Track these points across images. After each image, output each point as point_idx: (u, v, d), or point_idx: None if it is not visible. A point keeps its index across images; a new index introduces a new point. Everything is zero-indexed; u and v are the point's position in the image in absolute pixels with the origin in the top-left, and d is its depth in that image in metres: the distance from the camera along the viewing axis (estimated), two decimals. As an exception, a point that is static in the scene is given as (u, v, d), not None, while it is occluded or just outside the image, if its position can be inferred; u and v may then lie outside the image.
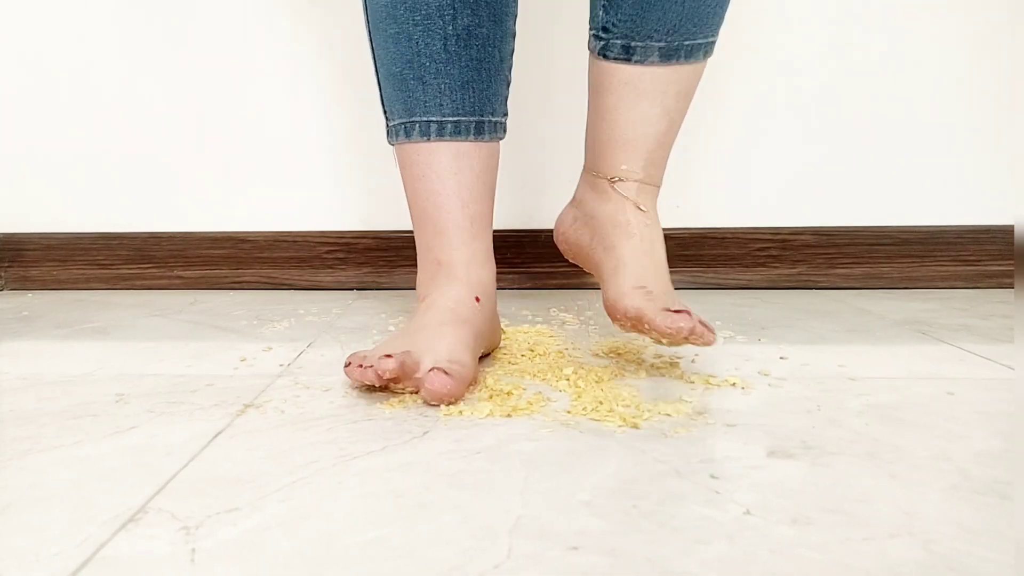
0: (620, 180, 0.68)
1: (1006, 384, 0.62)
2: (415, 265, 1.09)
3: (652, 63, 0.66)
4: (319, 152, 1.10)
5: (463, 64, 0.67)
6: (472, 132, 0.68)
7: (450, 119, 0.68)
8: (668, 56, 0.66)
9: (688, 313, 0.59)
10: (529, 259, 1.08)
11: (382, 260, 1.10)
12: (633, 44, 0.66)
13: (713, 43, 0.68)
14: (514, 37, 0.71)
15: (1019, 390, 0.60)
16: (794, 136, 1.07)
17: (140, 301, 1.02)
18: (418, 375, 0.57)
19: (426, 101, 0.68)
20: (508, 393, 0.58)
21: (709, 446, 0.48)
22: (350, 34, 1.07)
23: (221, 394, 0.60)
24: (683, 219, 1.09)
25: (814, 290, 1.06)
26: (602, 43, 0.68)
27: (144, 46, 1.08)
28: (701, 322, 0.59)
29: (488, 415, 0.54)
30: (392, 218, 1.10)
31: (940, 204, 1.07)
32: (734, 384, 0.61)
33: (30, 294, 1.10)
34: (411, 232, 1.09)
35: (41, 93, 1.10)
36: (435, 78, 0.68)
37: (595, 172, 0.70)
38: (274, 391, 0.61)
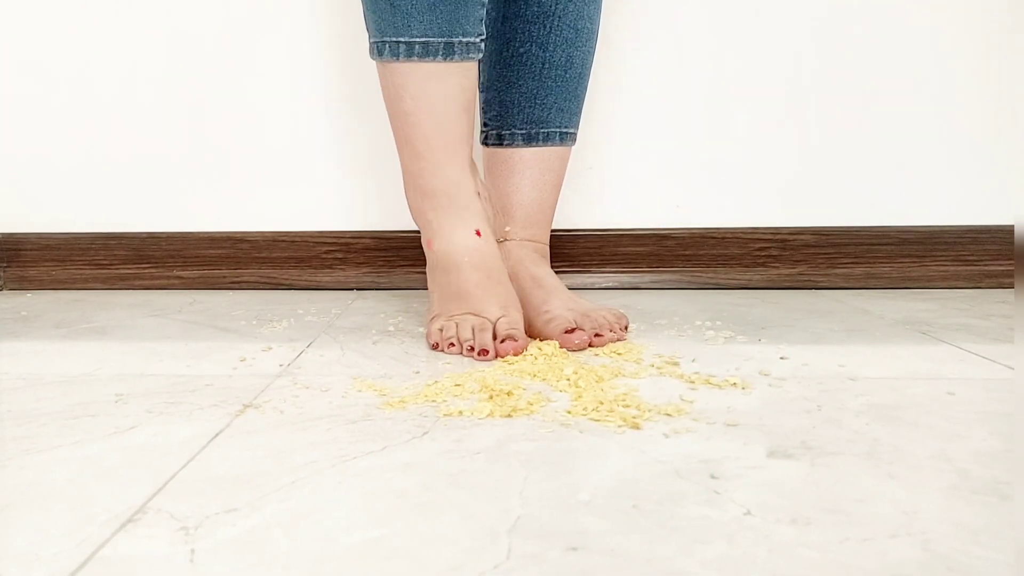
0: (506, 240, 0.83)
1: (1006, 384, 0.62)
2: (414, 265, 1.10)
3: (518, 146, 0.84)
4: (318, 152, 1.10)
5: None
6: (440, 53, 0.70)
7: (418, 40, 0.70)
8: (529, 140, 0.84)
9: (581, 330, 0.73)
10: (529, 259, 1.08)
11: (381, 260, 1.10)
12: (503, 132, 0.85)
13: (570, 133, 0.86)
14: None
15: (1019, 390, 0.60)
16: (794, 136, 1.07)
17: (139, 301, 1.02)
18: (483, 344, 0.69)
19: (395, 22, 0.70)
20: (508, 393, 0.58)
21: (709, 446, 0.48)
22: (350, 33, 1.07)
23: (220, 394, 0.60)
24: (683, 219, 1.09)
25: (814, 290, 1.06)
26: (483, 134, 0.87)
27: (142, 47, 1.08)
28: (597, 334, 0.73)
29: (488, 415, 0.54)
30: (391, 218, 1.10)
31: (940, 204, 1.07)
32: (734, 384, 0.61)
33: (29, 294, 1.09)
34: (410, 232, 1.10)
35: (40, 93, 1.09)
36: (403, 1, 0.69)
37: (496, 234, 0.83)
38: (273, 391, 0.61)
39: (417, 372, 0.66)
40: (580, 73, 0.85)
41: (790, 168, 1.08)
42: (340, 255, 1.10)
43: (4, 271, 1.13)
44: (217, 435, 0.51)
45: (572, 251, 1.08)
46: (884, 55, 1.05)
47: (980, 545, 0.36)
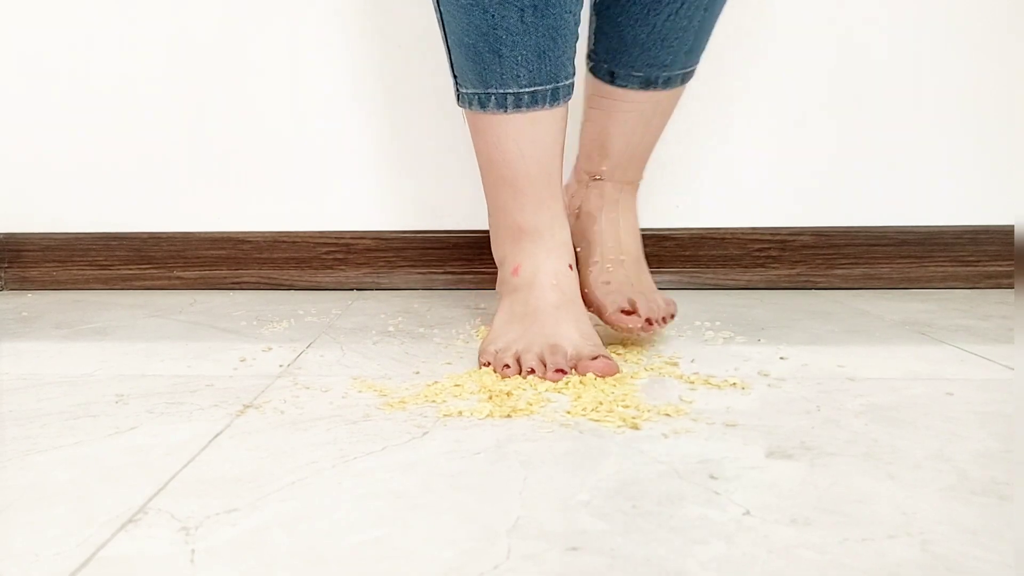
0: (599, 179, 0.78)
1: (1005, 385, 0.62)
2: (415, 266, 1.10)
3: (632, 88, 0.75)
4: (319, 153, 1.10)
5: (540, 34, 0.66)
6: (548, 100, 0.68)
7: (527, 90, 0.68)
8: (646, 84, 0.75)
9: (636, 314, 0.71)
10: (529, 259, 1.08)
11: (382, 260, 1.10)
12: (615, 71, 0.76)
13: (691, 71, 0.77)
14: None
15: (1018, 391, 0.60)
16: (793, 137, 1.07)
17: (140, 302, 1.02)
18: (564, 363, 0.64)
19: (502, 73, 0.67)
20: (508, 393, 0.58)
21: (708, 446, 0.48)
22: (351, 33, 1.07)
23: (221, 394, 0.60)
24: (683, 219, 1.09)
25: (813, 290, 1.06)
26: (591, 63, 0.78)
27: (143, 46, 1.08)
28: (649, 320, 0.71)
29: (488, 415, 0.54)
30: (392, 218, 1.10)
31: (939, 204, 1.07)
32: (734, 384, 0.61)
33: (29, 294, 1.10)
34: (410, 232, 1.10)
35: (41, 94, 1.10)
36: (511, 51, 0.67)
37: (583, 169, 0.80)
38: (274, 391, 0.61)
39: (417, 372, 0.66)
40: (719, 9, 0.74)
41: (790, 168, 1.08)
42: (340, 255, 1.10)
43: (5, 271, 1.13)
44: (217, 435, 0.51)
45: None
46: (884, 55, 1.05)
47: (979, 546, 0.36)
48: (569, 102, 0.71)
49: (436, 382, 0.62)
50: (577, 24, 0.69)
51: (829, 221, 1.08)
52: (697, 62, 0.77)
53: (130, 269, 1.12)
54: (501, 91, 0.68)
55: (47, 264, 1.12)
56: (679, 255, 1.08)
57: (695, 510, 0.40)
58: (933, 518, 0.39)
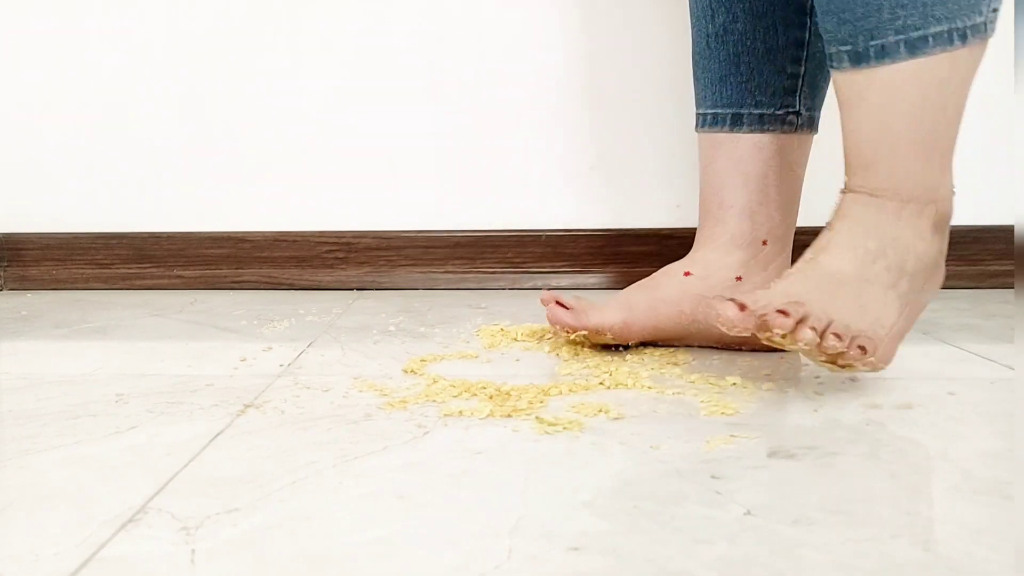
0: (843, 190, 0.63)
1: (1007, 384, 0.62)
2: (415, 264, 1.10)
3: (845, 69, 0.60)
4: (319, 151, 1.10)
5: (721, 59, 0.73)
6: (728, 123, 0.73)
7: (709, 112, 0.74)
8: (857, 60, 0.59)
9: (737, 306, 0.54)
10: (530, 259, 1.08)
11: (382, 260, 1.10)
12: (829, 50, 0.61)
13: (944, 32, 0.57)
14: (805, 28, 0.71)
15: (1020, 390, 0.59)
16: (795, 136, 1.07)
17: (140, 301, 1.02)
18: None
19: (698, 94, 0.76)
20: (508, 393, 0.58)
21: (710, 446, 0.48)
22: (352, 33, 1.07)
23: (221, 394, 0.60)
24: (683, 219, 1.09)
25: (814, 290, 1.06)
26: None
27: (144, 46, 1.08)
28: (780, 310, 0.53)
29: (488, 415, 0.54)
30: (392, 218, 1.10)
31: (941, 204, 1.07)
32: (735, 384, 0.61)
33: (29, 294, 1.09)
34: (411, 231, 1.10)
35: (40, 93, 1.09)
36: (702, 73, 0.75)
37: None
38: (274, 391, 0.61)
39: (417, 372, 0.66)
40: None
41: (791, 168, 1.07)
42: (341, 255, 1.10)
43: (4, 271, 1.13)
44: (218, 435, 0.51)
45: (572, 251, 1.08)
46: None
47: (982, 545, 0.36)
48: (777, 135, 0.72)
49: (436, 382, 0.62)
50: (781, 56, 0.72)
51: (830, 220, 1.07)
52: (947, 18, 0.57)
53: (130, 268, 1.11)
54: (699, 111, 0.76)
55: (47, 263, 1.12)
56: (680, 255, 1.07)
57: (697, 510, 0.40)
58: (936, 518, 0.39)
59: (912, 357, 0.70)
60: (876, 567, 0.34)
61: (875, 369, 0.57)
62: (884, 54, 0.57)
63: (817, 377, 0.63)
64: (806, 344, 0.53)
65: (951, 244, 1.07)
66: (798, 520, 0.38)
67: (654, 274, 0.74)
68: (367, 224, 1.10)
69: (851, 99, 0.60)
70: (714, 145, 0.73)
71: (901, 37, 0.57)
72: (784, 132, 0.72)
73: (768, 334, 0.54)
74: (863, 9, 0.57)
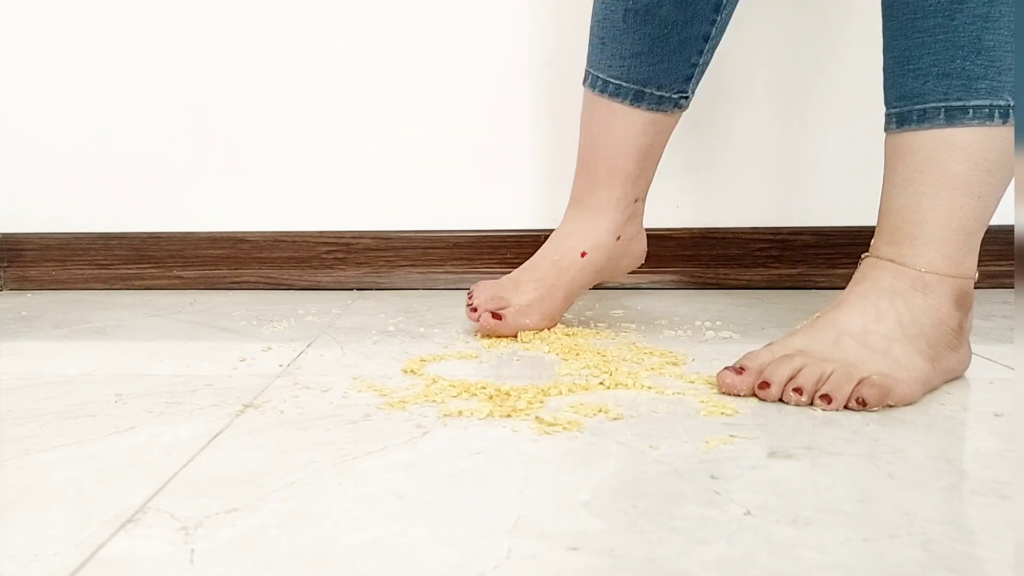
0: (867, 255, 0.65)
1: (1006, 384, 0.62)
2: (414, 265, 1.10)
3: (890, 131, 0.62)
4: (318, 152, 1.10)
5: (636, 37, 0.74)
6: (630, 97, 0.76)
7: (612, 81, 0.76)
8: (901, 122, 0.61)
9: (742, 370, 0.57)
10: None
11: (381, 260, 1.10)
12: (889, 112, 0.63)
13: (968, 107, 0.57)
14: (713, 24, 0.75)
15: (1019, 390, 0.59)
16: (794, 136, 1.07)
17: (139, 301, 1.02)
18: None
19: (600, 59, 0.77)
20: (507, 393, 0.58)
21: (709, 446, 0.48)
22: (351, 33, 1.07)
23: (220, 394, 0.60)
24: (683, 219, 1.09)
25: (814, 290, 1.06)
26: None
27: (143, 45, 1.08)
28: (732, 367, 0.58)
29: (488, 415, 0.54)
30: (391, 218, 1.10)
31: (940, 204, 1.07)
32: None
33: (29, 294, 1.09)
34: (410, 232, 1.10)
35: (40, 93, 1.09)
36: (612, 43, 0.76)
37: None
38: (273, 391, 0.61)
39: (417, 372, 0.66)
40: (983, 14, 0.57)
41: (790, 168, 1.08)
42: (340, 255, 1.10)
43: (4, 271, 1.13)
44: (217, 435, 0.51)
45: (572, 251, 1.08)
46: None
47: (980, 545, 0.36)
48: (667, 116, 0.77)
49: (436, 382, 0.62)
50: (691, 48, 0.75)
51: (830, 221, 1.08)
52: (980, 94, 0.58)
53: (130, 269, 1.12)
54: (595, 73, 0.77)
55: (46, 264, 1.12)
56: (680, 255, 1.08)
57: (696, 510, 0.40)
58: (934, 518, 0.39)
59: (911, 357, 0.70)
60: (874, 567, 0.34)
61: (899, 404, 0.56)
62: (924, 118, 0.59)
63: (816, 377, 0.63)
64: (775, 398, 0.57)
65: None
66: (797, 520, 0.38)
67: (550, 254, 0.80)
68: (366, 224, 1.10)
69: (892, 163, 0.62)
70: (612, 113, 0.77)
71: (942, 105, 0.58)
72: (673, 113, 0.78)
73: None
74: (913, 77, 0.60)
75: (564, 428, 0.51)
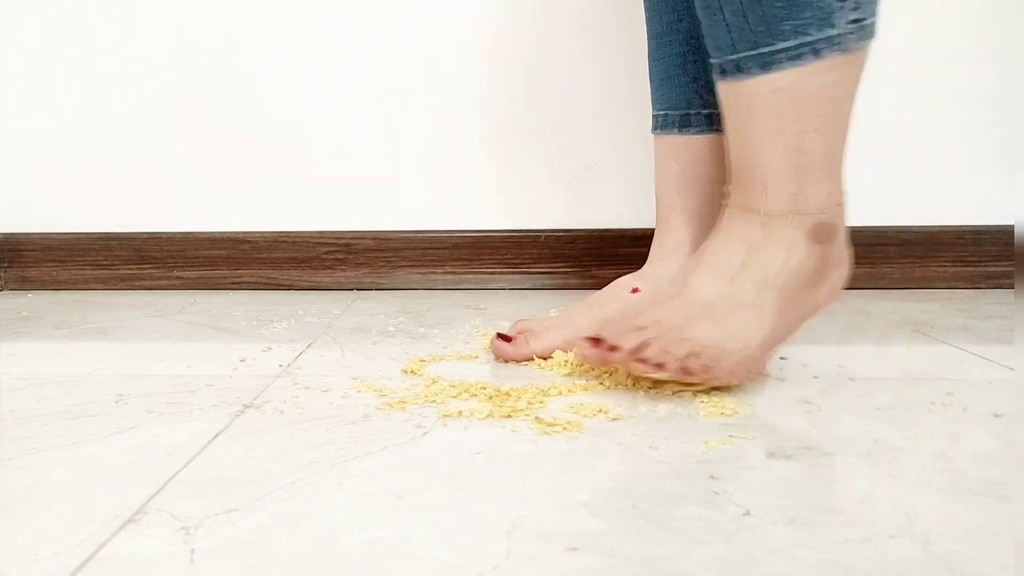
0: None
1: (1005, 385, 0.62)
2: (415, 266, 1.10)
3: (717, 81, 0.62)
4: (318, 152, 1.10)
5: (666, 58, 0.72)
6: (677, 125, 0.72)
7: (660, 113, 0.74)
8: (723, 73, 0.61)
9: (597, 341, 0.57)
10: (528, 260, 1.08)
11: (381, 260, 1.10)
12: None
13: (792, 47, 0.57)
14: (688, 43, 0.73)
15: (1019, 391, 0.60)
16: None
17: (140, 302, 1.02)
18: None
19: (652, 96, 0.75)
20: (507, 393, 0.58)
21: (708, 446, 0.48)
22: (353, 34, 1.07)
23: (220, 394, 0.60)
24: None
25: (814, 291, 1.06)
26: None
27: (144, 46, 1.08)
28: (589, 337, 0.58)
29: (488, 415, 0.54)
30: (392, 218, 1.10)
31: (940, 204, 1.07)
32: (733, 385, 0.61)
33: (29, 294, 1.10)
34: (410, 232, 1.10)
35: (40, 93, 1.10)
36: (653, 74, 0.74)
37: None
38: (273, 391, 0.61)
39: (416, 372, 0.66)
40: None
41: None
42: (340, 255, 1.10)
43: (5, 271, 1.13)
44: (217, 435, 0.51)
45: (572, 251, 1.08)
46: (883, 54, 1.05)
47: (979, 546, 0.36)
48: (716, 137, 0.71)
49: (436, 382, 0.62)
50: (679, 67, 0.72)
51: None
52: (772, 38, 0.58)
53: (130, 269, 1.12)
54: (653, 113, 0.75)
55: (47, 264, 1.12)
56: (679, 255, 1.08)
57: (695, 510, 0.40)
58: (934, 518, 0.39)
59: (910, 358, 0.70)
60: (874, 567, 0.34)
61: (724, 383, 0.58)
62: (739, 70, 0.59)
63: (816, 378, 0.64)
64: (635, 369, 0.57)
65: (949, 245, 1.07)
66: (795, 520, 0.38)
67: (604, 289, 0.74)
68: (366, 225, 1.10)
69: (725, 113, 0.62)
70: (664, 148, 0.72)
71: (753, 52, 0.58)
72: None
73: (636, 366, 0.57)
74: (722, 29, 0.59)
75: (564, 428, 0.51)
